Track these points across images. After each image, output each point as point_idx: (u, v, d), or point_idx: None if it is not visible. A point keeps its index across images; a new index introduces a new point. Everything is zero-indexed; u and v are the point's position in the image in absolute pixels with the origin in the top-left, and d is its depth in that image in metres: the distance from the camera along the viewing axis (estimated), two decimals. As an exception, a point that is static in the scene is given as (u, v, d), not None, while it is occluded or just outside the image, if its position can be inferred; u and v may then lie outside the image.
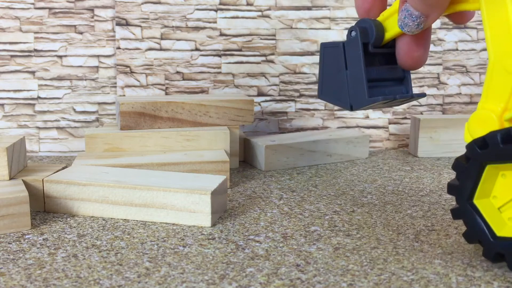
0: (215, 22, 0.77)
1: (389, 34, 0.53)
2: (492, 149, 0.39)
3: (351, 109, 0.54)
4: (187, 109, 0.67)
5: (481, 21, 0.80)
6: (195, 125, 0.67)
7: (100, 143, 0.64)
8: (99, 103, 0.78)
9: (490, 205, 0.41)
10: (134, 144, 0.64)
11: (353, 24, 0.54)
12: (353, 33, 0.54)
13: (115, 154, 0.63)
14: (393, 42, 0.54)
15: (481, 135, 0.41)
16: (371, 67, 0.55)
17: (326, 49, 0.57)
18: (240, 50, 0.78)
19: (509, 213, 0.40)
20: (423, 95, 0.57)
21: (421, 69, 0.81)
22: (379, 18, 0.53)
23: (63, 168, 0.56)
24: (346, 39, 0.55)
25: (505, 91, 0.41)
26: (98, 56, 0.77)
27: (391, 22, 0.52)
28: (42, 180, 0.52)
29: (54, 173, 0.54)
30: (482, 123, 0.42)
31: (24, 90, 0.76)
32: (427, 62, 0.79)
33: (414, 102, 0.82)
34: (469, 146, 0.40)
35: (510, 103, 0.42)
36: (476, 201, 0.41)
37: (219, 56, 0.78)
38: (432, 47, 0.79)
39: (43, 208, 0.52)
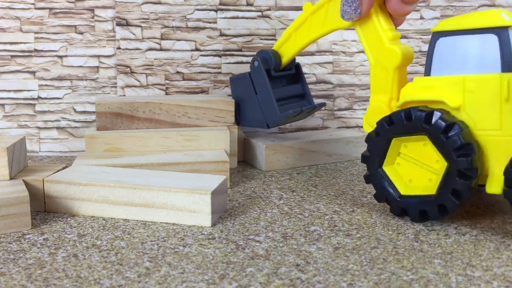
0: (215, 22, 0.77)
1: (285, 59, 0.66)
2: (397, 125, 0.48)
3: (268, 127, 0.67)
4: (165, 109, 0.66)
5: (481, 21, 0.80)
6: (173, 126, 0.67)
7: (100, 143, 0.64)
8: (99, 103, 0.78)
9: (395, 170, 0.50)
10: (134, 144, 0.64)
11: (256, 56, 0.66)
12: (256, 63, 0.66)
13: (115, 154, 0.63)
14: (291, 64, 0.68)
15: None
16: (277, 89, 0.66)
17: (235, 81, 0.69)
18: (240, 50, 0.78)
19: (408, 176, 0.50)
20: (323, 104, 0.70)
21: (421, 69, 0.81)
22: (274, 48, 0.66)
23: (64, 168, 0.56)
24: (250, 69, 0.67)
25: (387, 84, 0.53)
26: (98, 56, 0.77)
27: (285, 49, 0.65)
28: (43, 180, 0.52)
29: (55, 173, 0.54)
30: (377, 113, 0.53)
31: (25, 90, 0.76)
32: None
33: None
34: (379, 123, 0.49)
35: (394, 93, 0.53)
36: (385, 168, 0.50)
37: (219, 56, 0.78)
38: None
39: (44, 208, 0.52)
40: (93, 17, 0.76)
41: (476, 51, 0.47)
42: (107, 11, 0.76)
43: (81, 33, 0.76)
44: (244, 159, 0.73)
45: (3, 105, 0.76)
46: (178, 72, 0.78)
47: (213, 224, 0.49)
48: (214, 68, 0.78)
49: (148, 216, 0.50)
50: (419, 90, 0.49)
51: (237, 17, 0.78)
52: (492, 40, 0.46)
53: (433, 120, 0.46)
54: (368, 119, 0.53)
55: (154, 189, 0.49)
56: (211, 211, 0.48)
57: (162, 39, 0.77)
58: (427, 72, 0.49)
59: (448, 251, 0.43)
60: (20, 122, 0.76)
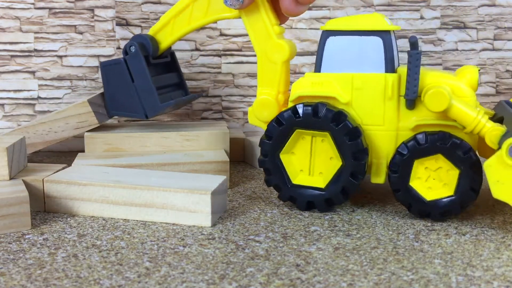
0: (215, 22, 0.77)
1: (162, 46, 0.62)
2: (304, 118, 0.50)
3: (146, 117, 0.62)
4: (32, 132, 0.65)
5: (481, 21, 0.80)
6: (45, 145, 0.65)
7: (100, 143, 0.64)
8: (99, 103, 0.78)
9: (290, 159, 0.52)
10: (134, 144, 0.64)
11: (132, 40, 0.62)
12: (133, 48, 0.61)
13: (115, 154, 0.63)
14: (167, 52, 0.65)
15: (266, 116, 0.53)
16: (154, 77, 0.62)
17: (107, 67, 0.63)
18: (240, 50, 0.78)
19: (301, 166, 0.52)
20: (201, 94, 0.70)
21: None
22: (150, 33, 0.62)
23: (63, 168, 0.56)
24: (125, 54, 0.62)
25: (275, 78, 0.55)
26: (98, 56, 0.77)
27: (162, 36, 0.62)
28: (42, 180, 0.52)
29: (54, 173, 0.54)
30: (264, 106, 0.54)
31: (24, 90, 0.76)
32: (428, 62, 0.79)
33: None
34: (287, 114, 0.51)
35: (281, 87, 0.55)
36: (281, 155, 0.52)
37: (219, 56, 0.78)
38: (432, 47, 0.79)
39: (43, 208, 0.52)
40: (93, 17, 0.76)
41: (363, 52, 0.51)
42: (107, 11, 0.76)
43: (81, 33, 0.76)
44: (244, 159, 0.73)
45: (3, 105, 0.76)
46: (178, 72, 0.78)
47: (213, 224, 0.49)
48: (214, 68, 0.78)
49: (148, 216, 0.50)
50: (312, 86, 0.51)
51: (237, 17, 0.78)
52: (377, 42, 0.50)
53: (341, 120, 0.49)
54: (255, 112, 0.54)
55: (154, 189, 0.49)
56: (211, 211, 0.48)
57: (162, 39, 0.77)
58: (318, 68, 0.52)
59: (448, 251, 0.43)
60: (20, 122, 0.76)
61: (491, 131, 0.47)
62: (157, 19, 0.77)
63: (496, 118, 0.52)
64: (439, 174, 0.49)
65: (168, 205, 0.49)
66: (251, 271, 0.40)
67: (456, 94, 0.49)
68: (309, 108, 0.50)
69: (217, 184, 0.50)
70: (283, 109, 0.52)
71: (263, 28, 0.55)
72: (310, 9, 0.78)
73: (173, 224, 0.49)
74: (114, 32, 0.77)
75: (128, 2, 0.76)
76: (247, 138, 0.72)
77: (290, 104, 0.52)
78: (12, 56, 0.76)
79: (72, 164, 0.58)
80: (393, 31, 0.52)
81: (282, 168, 0.52)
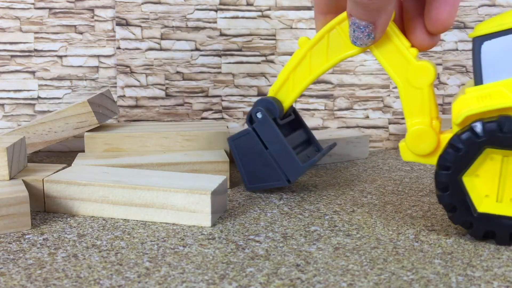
0: (215, 22, 0.77)
1: (286, 104, 0.57)
2: (503, 134, 0.42)
3: (289, 182, 0.57)
4: (32, 132, 0.65)
5: (481, 21, 0.80)
6: (45, 145, 0.65)
7: (100, 143, 0.64)
8: (99, 103, 0.78)
9: (473, 182, 0.45)
10: (134, 144, 0.64)
11: (256, 106, 0.57)
12: (259, 114, 0.57)
13: (115, 154, 0.63)
14: (290, 110, 0.59)
15: (424, 148, 0.48)
16: (286, 138, 0.57)
17: (236, 141, 0.59)
18: (240, 50, 0.78)
19: (486, 191, 0.44)
20: (334, 144, 0.63)
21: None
22: (270, 94, 0.57)
23: (63, 168, 0.56)
24: (250, 122, 0.58)
25: (424, 104, 0.49)
26: (98, 56, 0.77)
27: (284, 93, 0.57)
28: (42, 180, 0.52)
29: (54, 173, 0.54)
30: (420, 137, 0.48)
31: (24, 90, 0.76)
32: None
33: None
34: (465, 136, 0.43)
35: (433, 112, 0.49)
36: (464, 178, 0.44)
37: (219, 56, 0.78)
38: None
39: (43, 208, 0.52)
40: (93, 17, 0.76)
41: None
42: (107, 11, 0.76)
43: (81, 33, 0.76)
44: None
45: (3, 105, 0.76)
46: (178, 72, 0.78)
47: (213, 224, 0.49)
48: (214, 68, 0.78)
49: (148, 216, 0.50)
50: (478, 101, 0.44)
51: (237, 17, 0.78)
52: None
53: None
54: (410, 146, 0.48)
55: (154, 189, 0.49)
56: (211, 211, 0.48)
57: (162, 39, 0.77)
58: (479, 81, 0.45)
59: (448, 251, 0.43)
60: (20, 122, 0.76)
61: None
62: (157, 19, 0.77)
63: None
64: None
65: (168, 205, 0.49)
66: (251, 271, 0.40)
67: None
68: (494, 124, 0.42)
69: (217, 184, 0.50)
70: (441, 136, 0.47)
71: (398, 55, 0.50)
72: (310, 8, 0.78)
73: (173, 224, 0.49)
74: (114, 32, 0.77)
75: (128, 2, 0.76)
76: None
77: (455, 128, 0.46)
78: (12, 56, 0.76)
79: (72, 164, 0.58)
80: None
81: (466, 193, 0.44)
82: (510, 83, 0.44)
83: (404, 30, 0.51)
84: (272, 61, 0.79)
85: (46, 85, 0.76)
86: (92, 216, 0.51)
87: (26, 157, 0.56)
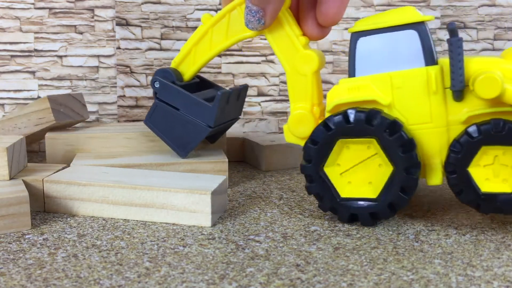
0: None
1: (186, 77, 0.60)
2: (355, 125, 0.46)
3: (210, 127, 0.58)
4: (0, 128, 0.65)
5: (481, 21, 0.80)
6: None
7: (61, 144, 0.63)
8: (99, 103, 0.78)
9: (335, 171, 0.48)
10: (96, 145, 0.63)
11: (153, 78, 0.59)
12: (157, 84, 0.59)
13: (113, 154, 0.63)
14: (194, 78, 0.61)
15: (303, 131, 0.51)
16: (193, 94, 0.59)
17: (151, 119, 0.60)
18: (240, 50, 0.78)
19: (348, 178, 0.48)
20: (246, 85, 0.65)
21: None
22: (172, 65, 0.60)
23: (63, 168, 0.56)
24: (155, 95, 0.59)
25: (307, 91, 0.52)
26: (98, 56, 0.77)
27: (185, 66, 0.59)
28: (42, 180, 0.52)
29: (54, 173, 0.54)
30: (301, 121, 0.51)
31: (24, 90, 0.76)
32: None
33: None
34: (337, 119, 0.47)
35: (314, 99, 0.52)
36: (325, 169, 0.48)
37: (219, 56, 0.78)
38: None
39: (43, 208, 0.52)
40: (93, 17, 0.76)
41: (398, 48, 0.47)
42: (107, 11, 0.76)
43: (81, 33, 0.76)
44: (244, 159, 0.73)
45: (3, 105, 0.76)
46: (178, 72, 0.78)
47: (213, 224, 0.49)
48: (214, 68, 0.78)
49: (148, 216, 0.50)
50: (348, 92, 0.48)
51: (237, 17, 0.78)
52: (412, 36, 0.47)
53: (397, 131, 0.46)
54: (291, 128, 0.52)
55: (154, 189, 0.49)
56: (211, 211, 0.48)
57: (162, 39, 0.77)
58: (352, 73, 0.49)
59: (448, 251, 0.43)
60: (20, 122, 0.76)
61: None
62: (157, 19, 0.77)
63: None
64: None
65: (168, 205, 0.49)
66: (251, 271, 0.40)
67: (508, 77, 0.45)
68: (362, 114, 0.46)
69: (217, 184, 0.50)
70: (320, 121, 0.49)
71: (288, 42, 0.53)
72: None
73: (173, 224, 0.49)
74: (114, 32, 0.77)
75: (128, 2, 0.76)
76: (247, 138, 0.72)
77: (328, 115, 0.49)
78: (12, 56, 0.76)
79: (71, 165, 0.58)
80: (427, 21, 0.49)
81: (327, 181, 0.48)
82: (377, 78, 0.48)
83: (299, 20, 0.54)
84: (272, 61, 0.79)
85: (46, 85, 0.76)
86: (92, 216, 0.51)
87: (26, 157, 0.56)
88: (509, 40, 0.80)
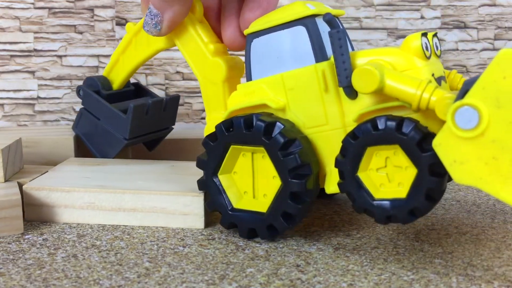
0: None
1: (116, 85, 0.60)
2: (236, 132, 0.43)
3: (126, 139, 0.58)
4: None
5: (482, 21, 0.80)
6: None
7: (45, 148, 0.61)
8: (99, 103, 0.78)
9: (231, 179, 0.45)
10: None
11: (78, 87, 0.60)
12: (81, 92, 0.60)
13: (99, 161, 0.59)
14: (126, 86, 0.61)
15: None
16: (119, 104, 0.59)
17: (78, 126, 0.61)
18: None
19: (244, 188, 0.45)
20: (177, 96, 0.63)
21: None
22: (104, 74, 0.60)
23: (43, 174, 0.54)
24: (82, 100, 0.60)
25: (219, 100, 0.50)
26: (98, 56, 0.77)
27: (115, 74, 0.59)
28: (21, 187, 0.49)
29: (34, 179, 0.51)
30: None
31: (24, 90, 0.76)
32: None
33: None
34: (218, 127, 0.44)
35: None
36: (220, 176, 0.45)
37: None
38: (432, 47, 0.79)
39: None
40: (92, 17, 0.76)
41: (288, 46, 0.44)
42: (106, 10, 0.76)
43: (81, 33, 0.76)
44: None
45: (2, 105, 0.76)
46: (178, 72, 0.78)
47: (206, 226, 0.48)
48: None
49: (137, 221, 0.48)
50: (243, 97, 0.46)
51: (237, 17, 0.78)
52: (301, 32, 0.43)
53: (274, 133, 0.42)
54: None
55: (142, 193, 0.48)
56: (203, 213, 0.47)
57: (161, 39, 0.77)
58: (249, 77, 0.46)
59: (448, 251, 0.43)
60: (20, 122, 0.76)
61: (440, 101, 0.37)
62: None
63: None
64: None
65: (158, 208, 0.48)
66: (251, 272, 0.40)
67: (398, 69, 0.41)
68: (241, 119, 0.43)
69: None
70: None
71: (197, 49, 0.51)
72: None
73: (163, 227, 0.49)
74: (114, 32, 0.77)
75: (128, 2, 0.76)
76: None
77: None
78: (12, 56, 0.76)
79: (54, 170, 0.55)
80: (320, 15, 0.44)
81: (221, 190, 0.45)
82: (271, 80, 0.44)
83: (220, 27, 0.52)
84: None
85: (45, 85, 0.76)
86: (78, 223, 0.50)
87: (22, 159, 0.56)
88: (509, 40, 0.80)
